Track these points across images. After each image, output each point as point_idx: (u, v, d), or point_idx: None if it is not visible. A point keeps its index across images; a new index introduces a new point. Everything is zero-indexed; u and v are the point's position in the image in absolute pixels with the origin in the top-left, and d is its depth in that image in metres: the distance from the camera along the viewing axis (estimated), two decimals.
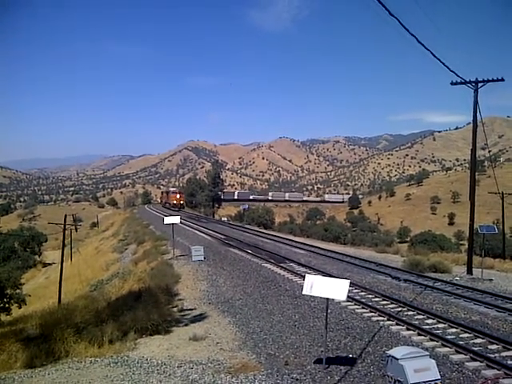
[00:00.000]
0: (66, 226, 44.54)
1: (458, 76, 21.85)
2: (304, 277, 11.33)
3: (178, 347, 12.00)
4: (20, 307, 30.10)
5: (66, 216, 44.82)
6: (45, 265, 72.15)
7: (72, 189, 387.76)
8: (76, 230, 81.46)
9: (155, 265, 25.12)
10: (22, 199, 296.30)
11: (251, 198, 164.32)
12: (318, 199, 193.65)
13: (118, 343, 12.06)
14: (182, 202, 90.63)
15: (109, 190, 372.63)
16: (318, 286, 10.19)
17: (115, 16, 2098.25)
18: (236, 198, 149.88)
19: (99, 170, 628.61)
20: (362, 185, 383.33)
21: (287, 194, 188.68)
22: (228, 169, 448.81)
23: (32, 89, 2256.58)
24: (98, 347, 11.65)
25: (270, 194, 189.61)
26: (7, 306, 29.28)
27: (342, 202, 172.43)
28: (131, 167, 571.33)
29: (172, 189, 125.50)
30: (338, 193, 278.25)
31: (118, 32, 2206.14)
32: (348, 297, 12.57)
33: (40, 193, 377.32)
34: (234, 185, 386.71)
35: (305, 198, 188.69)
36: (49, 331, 12.09)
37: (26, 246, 76.75)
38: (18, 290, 31.19)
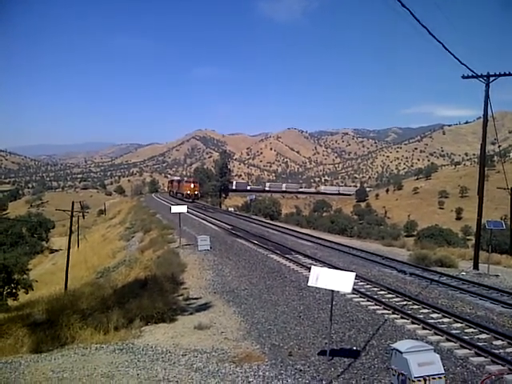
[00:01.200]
0: (74, 213, 44.76)
1: (470, 69, 21.60)
2: (310, 268, 11.34)
3: (182, 335, 12.06)
4: (27, 292, 30.47)
5: (73, 203, 45.01)
6: (52, 251, 72.76)
7: (80, 176, 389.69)
8: (83, 217, 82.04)
9: (161, 253, 25.22)
10: (30, 185, 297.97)
11: (248, 188, 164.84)
12: (314, 191, 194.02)
13: (124, 330, 12.15)
14: (196, 193, 78.91)
15: (116, 177, 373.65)
16: (323, 277, 10.19)
17: (126, 9, 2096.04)
18: (234, 188, 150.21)
19: (107, 157, 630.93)
20: (369, 177, 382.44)
21: (284, 185, 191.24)
22: (235, 159, 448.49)
23: (42, 78, 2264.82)
24: (103, 334, 11.74)
25: (268, 184, 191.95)
26: (14, 291, 29.65)
27: (338, 193, 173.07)
28: (139, 155, 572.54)
29: (176, 178, 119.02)
30: (345, 185, 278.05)
31: (127, 23, 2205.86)
32: (353, 289, 12.56)
33: (48, 179, 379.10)
34: (241, 175, 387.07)
35: (300, 190, 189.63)
36: (55, 317, 12.20)
37: (34, 232, 77.41)
38: (25, 276, 31.60)
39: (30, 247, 67.57)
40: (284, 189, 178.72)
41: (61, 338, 11.35)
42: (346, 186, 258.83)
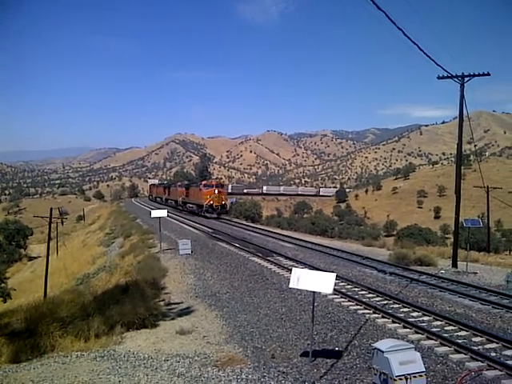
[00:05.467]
0: (52, 220, 44.17)
1: (445, 70, 21.99)
2: (291, 270, 11.36)
3: (164, 341, 11.99)
4: (5, 301, 29.95)
5: (51, 209, 44.43)
6: (30, 258, 71.79)
7: (58, 182, 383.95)
8: (62, 223, 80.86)
9: (142, 258, 25.03)
10: (6, 192, 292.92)
11: None
12: (259, 191, 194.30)
13: (105, 337, 12.01)
14: (224, 203, 53.25)
15: (95, 182, 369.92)
16: (304, 279, 10.20)
17: (102, 12, 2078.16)
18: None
19: (85, 162, 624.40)
20: (349, 178, 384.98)
21: (230, 186, 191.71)
22: (216, 162, 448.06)
23: (19, 82, 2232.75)
24: (84, 341, 11.58)
25: None
26: None
27: (280, 194, 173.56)
28: (118, 160, 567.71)
29: (176, 182, 78.61)
30: (310, 185, 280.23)
31: (104, 27, 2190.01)
32: (334, 290, 12.63)
33: (25, 185, 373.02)
34: (221, 178, 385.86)
35: (245, 191, 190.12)
36: (34, 325, 11.99)
37: (12, 240, 76.13)
38: (2, 284, 31.05)
39: (7, 255, 66.62)
40: (230, 190, 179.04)
41: (40, 347, 11.17)
42: (295, 186, 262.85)
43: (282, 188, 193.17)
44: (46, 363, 10.31)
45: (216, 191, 52.22)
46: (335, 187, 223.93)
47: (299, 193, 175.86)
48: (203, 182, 56.42)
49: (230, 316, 14.10)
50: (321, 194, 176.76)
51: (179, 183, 71.05)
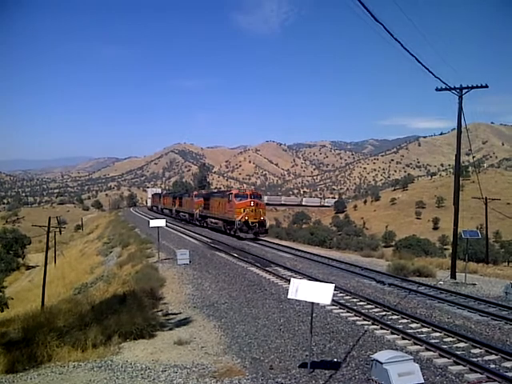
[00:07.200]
0: (50, 229, 44.08)
1: (443, 82, 22.15)
2: (289, 281, 11.34)
3: (162, 351, 11.92)
4: (2, 310, 29.71)
5: (50, 218, 44.38)
6: (28, 267, 71.48)
7: (56, 191, 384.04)
8: (60, 232, 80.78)
9: (140, 268, 24.93)
10: (5, 201, 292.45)
11: None
12: None
13: (102, 347, 11.94)
14: (262, 219, 42.11)
15: (94, 192, 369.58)
16: (303, 289, 10.20)
17: (104, 20, 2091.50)
18: None
19: (84, 171, 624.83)
20: (347, 189, 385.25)
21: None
22: (214, 172, 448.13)
23: (19, 90, 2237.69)
24: (81, 351, 11.50)
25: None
26: None
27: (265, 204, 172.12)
28: (117, 169, 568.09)
29: (194, 192, 65.93)
30: (309, 196, 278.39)
31: (106, 35, 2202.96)
32: (333, 301, 12.59)
33: (24, 194, 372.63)
34: (220, 188, 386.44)
35: None
36: (31, 335, 11.93)
37: (10, 249, 75.88)
38: (0, 293, 30.82)
39: (5, 264, 66.33)
40: None
41: (37, 357, 11.08)
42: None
43: (266, 198, 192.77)
44: (42, 373, 10.24)
45: (252, 203, 41.49)
46: (334, 197, 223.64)
47: (282, 202, 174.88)
48: (234, 192, 44.39)
49: (228, 326, 14.03)
50: (303, 203, 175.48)
51: (195, 192, 62.22)
